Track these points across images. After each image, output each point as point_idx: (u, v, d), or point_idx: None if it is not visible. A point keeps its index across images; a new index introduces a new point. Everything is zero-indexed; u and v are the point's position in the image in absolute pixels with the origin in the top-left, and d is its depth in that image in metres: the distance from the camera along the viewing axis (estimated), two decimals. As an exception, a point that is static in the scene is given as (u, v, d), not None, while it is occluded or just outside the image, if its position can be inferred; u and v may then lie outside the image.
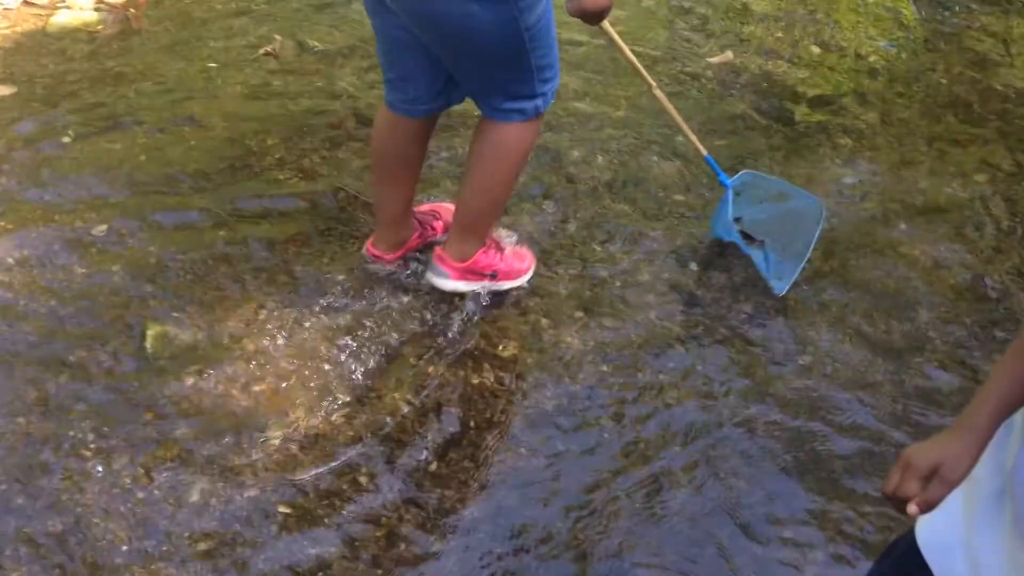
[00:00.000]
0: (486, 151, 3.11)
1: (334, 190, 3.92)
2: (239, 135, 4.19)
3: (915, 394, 3.31)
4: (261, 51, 4.75)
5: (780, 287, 3.56)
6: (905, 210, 4.14)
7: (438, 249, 3.38)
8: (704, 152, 3.69)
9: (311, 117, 4.34)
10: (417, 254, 3.56)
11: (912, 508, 1.60)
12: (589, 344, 3.39)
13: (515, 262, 3.49)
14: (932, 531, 1.77)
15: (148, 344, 3.24)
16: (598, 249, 3.78)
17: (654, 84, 3.52)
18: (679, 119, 3.61)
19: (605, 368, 3.32)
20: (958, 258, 3.90)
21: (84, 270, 3.49)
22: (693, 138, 3.66)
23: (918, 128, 4.66)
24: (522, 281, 3.50)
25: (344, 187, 3.92)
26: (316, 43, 4.87)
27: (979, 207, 4.19)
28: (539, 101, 3.04)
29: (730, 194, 3.66)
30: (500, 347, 3.35)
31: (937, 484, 1.60)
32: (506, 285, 3.46)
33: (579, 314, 3.50)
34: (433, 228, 3.56)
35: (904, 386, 3.34)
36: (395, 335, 3.35)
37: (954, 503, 1.70)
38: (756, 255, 3.68)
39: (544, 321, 3.46)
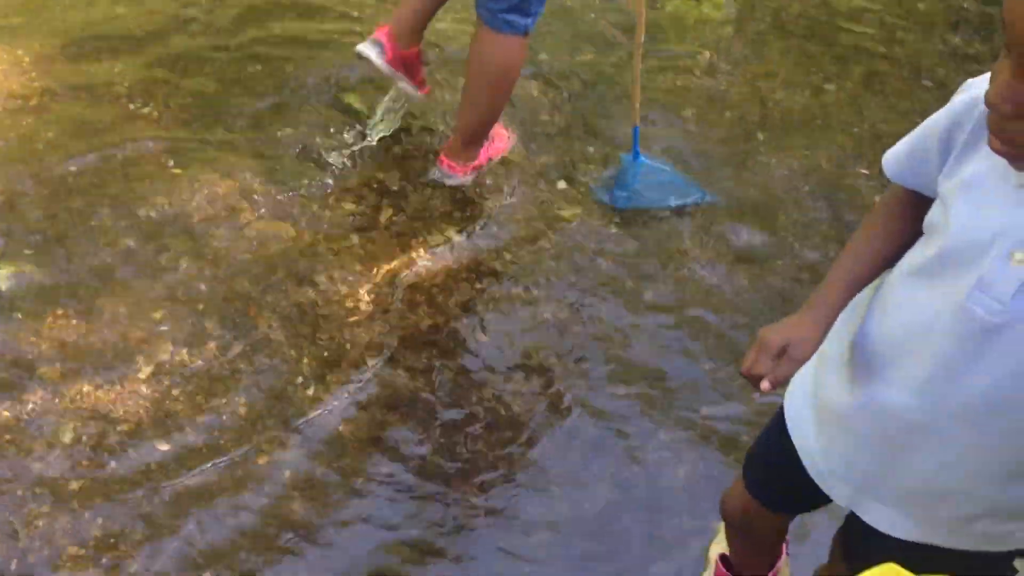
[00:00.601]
0: (482, 69, 3.39)
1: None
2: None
3: (775, 295, 3.46)
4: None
5: (621, 200, 3.73)
6: (763, 121, 4.27)
7: (443, 156, 3.67)
8: (636, 123, 3.76)
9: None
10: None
11: (764, 384, 1.70)
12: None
13: (497, 143, 3.83)
14: (792, 405, 1.89)
15: (1, 285, 3.09)
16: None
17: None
18: (637, 85, 3.70)
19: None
20: (814, 163, 4.06)
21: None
22: (636, 106, 3.74)
23: (773, 44, 4.79)
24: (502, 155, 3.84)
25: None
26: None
27: (832, 113, 4.37)
28: (529, 21, 3.31)
29: (639, 168, 3.78)
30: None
31: (786, 361, 1.69)
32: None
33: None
34: None
35: (765, 288, 3.48)
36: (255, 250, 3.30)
37: (806, 376, 1.82)
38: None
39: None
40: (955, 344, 1.50)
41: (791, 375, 1.72)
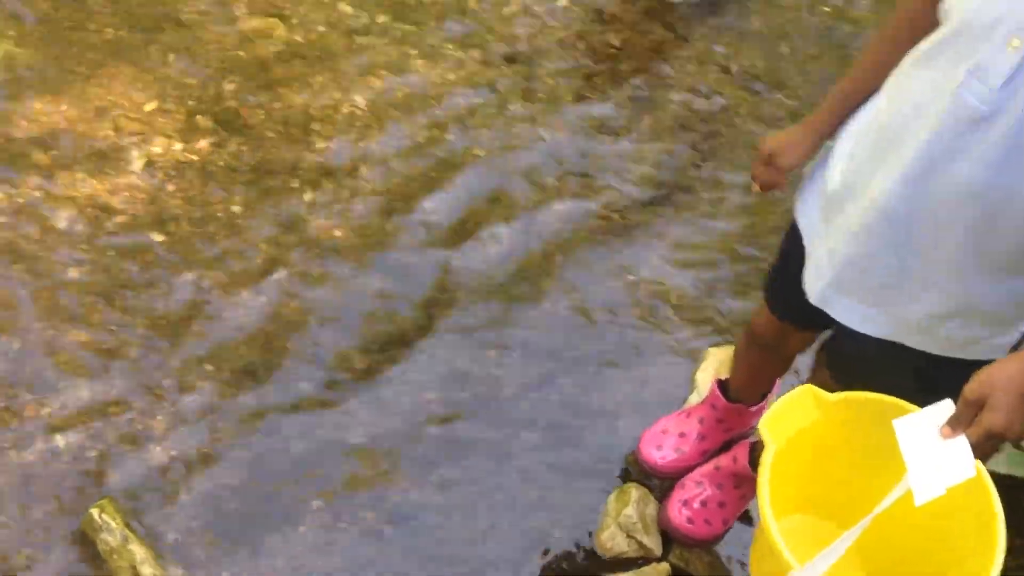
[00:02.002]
0: None
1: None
2: None
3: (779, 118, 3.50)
4: None
5: None
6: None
7: None
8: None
9: None
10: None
11: (754, 186, 1.98)
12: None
13: None
14: (803, 210, 1.95)
15: (-9, 66, 3.04)
16: None
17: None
18: None
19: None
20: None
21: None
22: None
23: None
24: None
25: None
26: None
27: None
28: None
29: None
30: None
31: (772, 167, 1.92)
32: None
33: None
34: None
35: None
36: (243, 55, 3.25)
37: (817, 178, 1.90)
38: None
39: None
40: (944, 132, 1.53)
41: (776, 180, 1.94)
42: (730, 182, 3.17)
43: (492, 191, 3.05)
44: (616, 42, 3.45)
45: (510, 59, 3.37)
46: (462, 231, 2.97)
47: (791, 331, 2.16)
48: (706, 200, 3.14)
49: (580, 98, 3.32)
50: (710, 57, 3.49)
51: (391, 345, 2.74)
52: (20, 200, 2.81)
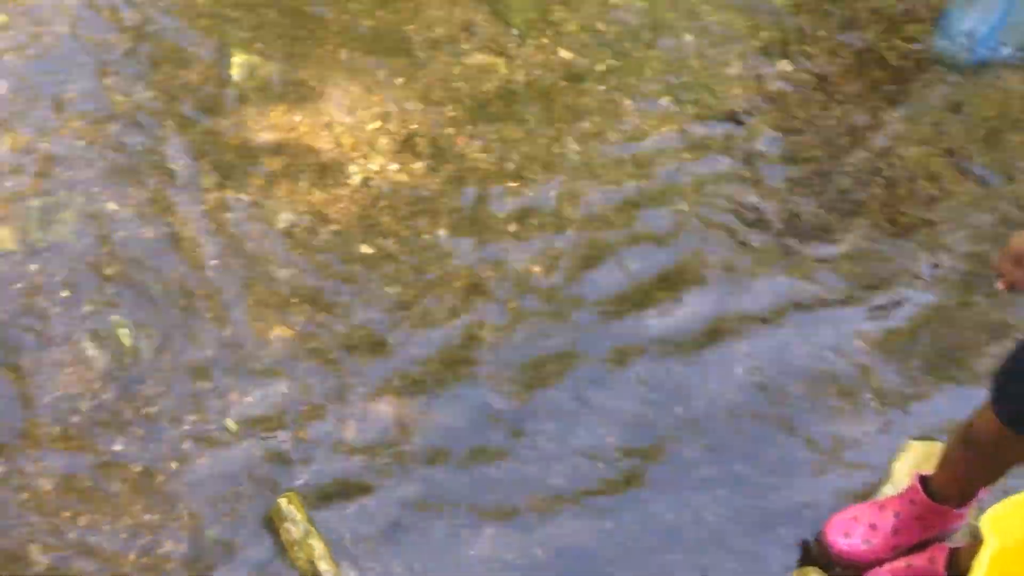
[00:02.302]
0: None
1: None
2: None
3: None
4: None
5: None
6: None
7: None
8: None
9: None
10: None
11: (998, 284, 1.80)
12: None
13: None
14: None
15: (233, 73, 3.23)
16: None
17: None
18: None
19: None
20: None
21: (171, -11, 3.45)
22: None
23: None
24: None
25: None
26: None
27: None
28: None
29: None
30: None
31: (1022, 268, 1.77)
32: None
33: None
34: None
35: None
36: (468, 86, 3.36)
37: None
38: None
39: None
40: None
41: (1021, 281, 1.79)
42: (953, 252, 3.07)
43: (692, 251, 3.04)
44: (837, 112, 3.41)
45: (725, 118, 3.37)
46: (654, 290, 2.95)
47: (1016, 440, 2.06)
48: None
49: (788, 160, 3.28)
50: (926, 137, 3.41)
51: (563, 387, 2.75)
52: (248, 200, 2.97)
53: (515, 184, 3.14)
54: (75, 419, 2.50)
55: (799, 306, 2.95)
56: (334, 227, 2.97)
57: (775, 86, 3.48)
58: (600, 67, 3.47)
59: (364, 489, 2.48)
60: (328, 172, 3.08)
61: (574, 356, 2.77)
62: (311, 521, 2.34)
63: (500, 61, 3.44)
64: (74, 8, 3.38)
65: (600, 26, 3.58)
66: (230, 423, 2.53)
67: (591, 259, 2.98)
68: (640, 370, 2.76)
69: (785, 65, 3.55)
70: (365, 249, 2.94)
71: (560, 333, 2.82)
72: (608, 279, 2.95)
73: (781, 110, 3.42)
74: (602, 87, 3.43)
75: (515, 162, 3.19)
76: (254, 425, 2.54)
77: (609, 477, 2.57)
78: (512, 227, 3.04)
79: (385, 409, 2.62)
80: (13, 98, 3.10)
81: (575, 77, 3.44)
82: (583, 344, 2.80)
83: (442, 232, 3.01)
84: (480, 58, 3.44)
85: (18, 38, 3.27)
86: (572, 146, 3.25)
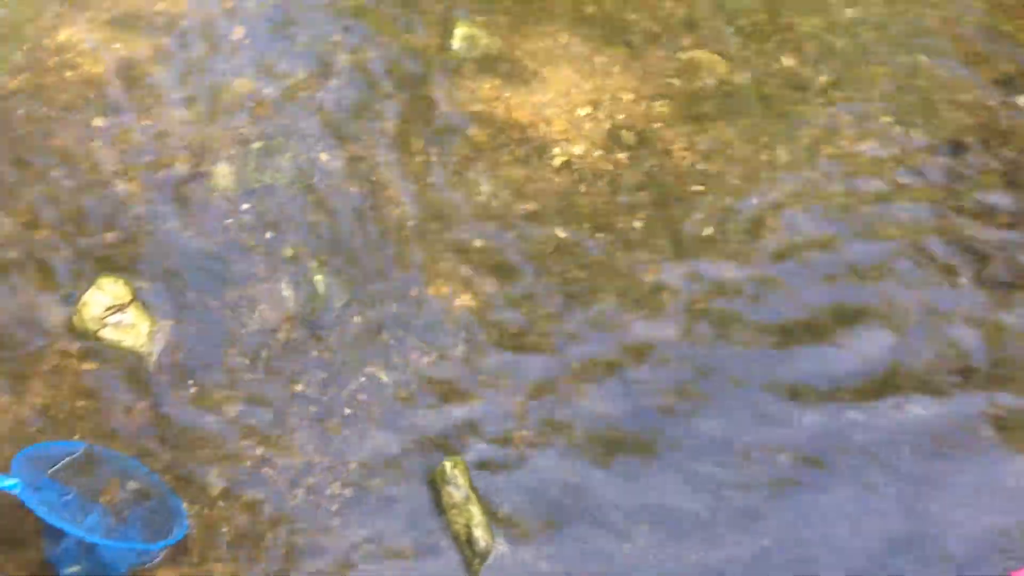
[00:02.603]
0: None
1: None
2: None
3: None
4: None
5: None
6: None
7: None
8: None
9: None
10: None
11: None
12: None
13: None
14: None
15: (455, 43, 3.29)
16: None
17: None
18: None
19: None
20: None
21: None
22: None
23: None
24: None
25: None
26: None
27: None
28: None
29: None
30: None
31: None
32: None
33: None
34: None
35: None
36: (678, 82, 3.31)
37: None
38: None
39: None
40: None
41: None
42: None
43: (892, 285, 2.89)
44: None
45: (949, 145, 3.20)
46: (836, 323, 2.82)
47: None
48: None
49: (1013, 193, 3.09)
50: None
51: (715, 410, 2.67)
52: (451, 167, 3.02)
53: (718, 188, 3.07)
54: (264, 354, 2.60)
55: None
56: (531, 206, 2.98)
57: (1007, 120, 3.28)
58: (824, 78, 3.35)
59: (528, 467, 2.48)
60: (532, 151, 3.10)
61: (736, 380, 2.69)
62: (473, 488, 2.36)
63: (719, 60, 3.37)
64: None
65: (829, 37, 3.46)
66: (405, 381, 2.59)
67: (776, 283, 2.88)
68: (797, 411, 2.65)
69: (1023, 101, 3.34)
70: (559, 232, 2.94)
71: (726, 352, 2.75)
72: (788, 304, 2.85)
73: (1011, 144, 3.22)
74: (822, 99, 3.31)
75: (720, 165, 3.12)
76: (429, 386, 2.58)
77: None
78: (708, 230, 2.98)
79: (554, 393, 2.62)
80: (247, 44, 3.25)
81: (796, 86, 3.33)
82: (745, 367, 2.72)
83: (637, 225, 2.98)
84: (699, 55, 3.38)
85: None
86: (782, 156, 3.15)
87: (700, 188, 3.07)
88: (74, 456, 2.32)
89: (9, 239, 2.65)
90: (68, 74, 3.00)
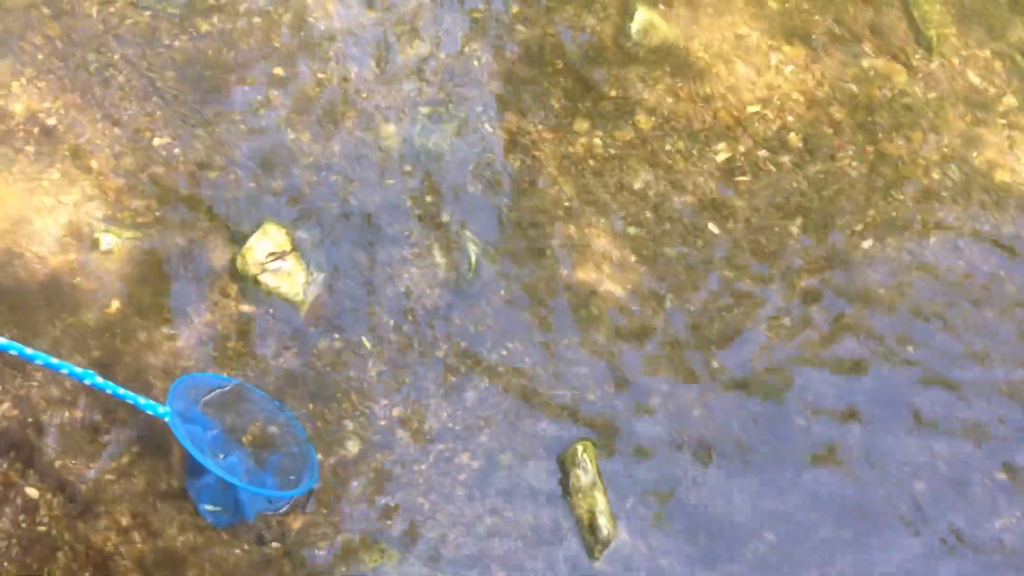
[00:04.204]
0: None
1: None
2: None
3: None
4: None
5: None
6: None
7: None
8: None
9: None
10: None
11: None
12: None
13: None
14: None
15: (633, 27, 3.26)
16: None
17: None
18: None
19: None
20: None
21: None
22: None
23: None
24: None
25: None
26: None
27: None
28: None
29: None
30: None
31: None
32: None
33: None
34: None
35: None
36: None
37: None
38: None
39: None
40: None
41: None
42: None
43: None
44: None
45: None
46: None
47: None
48: None
49: None
50: None
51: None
52: (613, 152, 3.01)
53: (881, 201, 2.98)
54: (409, 316, 2.66)
55: None
56: (688, 198, 2.95)
57: None
58: (1009, 100, 3.20)
59: (659, 460, 2.48)
60: (696, 143, 3.06)
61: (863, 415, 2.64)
62: (601, 474, 2.38)
63: (901, 71, 3.26)
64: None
65: (1019, 58, 3.30)
66: (544, 360, 2.61)
67: (925, 314, 2.79)
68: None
69: None
70: (712, 227, 2.91)
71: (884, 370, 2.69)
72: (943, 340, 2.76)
73: None
74: (1003, 121, 3.17)
75: (887, 179, 3.03)
76: (567, 368, 2.60)
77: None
78: (866, 244, 2.91)
79: (690, 395, 2.60)
80: (427, 6, 3.29)
81: (977, 104, 3.20)
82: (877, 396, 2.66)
83: (794, 229, 2.92)
84: (880, 63, 3.27)
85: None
86: (952, 174, 3.04)
87: (863, 200, 2.99)
88: (225, 390, 2.43)
89: (185, 176, 2.77)
90: (256, 20, 3.10)
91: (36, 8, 2.99)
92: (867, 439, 2.59)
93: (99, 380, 2.12)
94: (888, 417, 2.63)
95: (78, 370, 2.09)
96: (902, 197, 3.01)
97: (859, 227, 2.95)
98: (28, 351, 2.02)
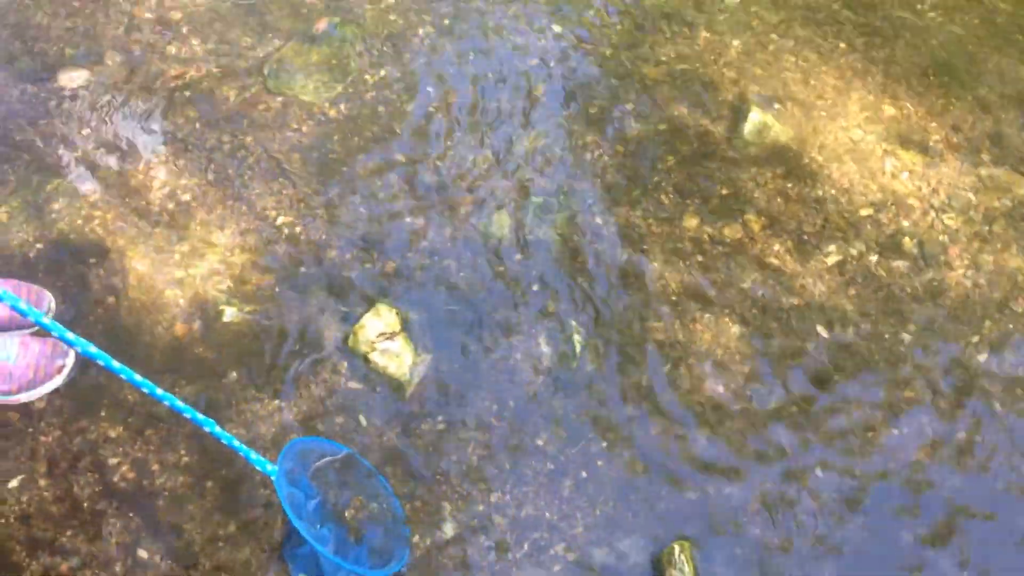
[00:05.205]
0: None
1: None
2: None
3: None
4: None
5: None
6: None
7: None
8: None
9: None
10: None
11: None
12: None
13: None
14: None
15: (747, 128, 3.29)
16: None
17: None
18: None
19: None
20: None
21: (709, 36, 3.58)
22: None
23: None
24: None
25: None
26: None
27: None
28: None
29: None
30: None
31: None
32: None
33: None
34: None
35: None
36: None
37: None
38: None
39: None
40: None
41: None
42: None
43: None
44: None
45: None
46: None
47: None
48: None
49: None
50: None
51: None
52: (723, 249, 3.03)
53: (997, 313, 2.92)
54: (511, 403, 2.69)
55: None
56: (795, 300, 2.94)
57: None
58: None
59: (758, 568, 2.45)
60: (807, 244, 3.06)
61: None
62: (696, 576, 2.36)
63: (1021, 181, 3.21)
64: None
65: None
66: (644, 455, 2.61)
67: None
68: None
69: None
70: (821, 330, 2.89)
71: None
72: None
73: None
74: None
75: (1004, 292, 2.97)
76: (666, 466, 2.60)
77: None
78: (982, 357, 2.84)
79: (791, 495, 2.57)
80: (545, 102, 3.38)
81: (1102, 219, 3.13)
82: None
83: (906, 337, 2.88)
84: (998, 172, 3.24)
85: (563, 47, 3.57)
86: (1072, 293, 2.97)
87: (980, 311, 2.93)
88: (334, 459, 2.49)
89: (305, 254, 2.89)
90: (380, 109, 3.23)
91: (179, 91, 3.19)
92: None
93: (217, 429, 2.20)
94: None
95: (200, 416, 2.17)
96: (1020, 311, 2.94)
97: (975, 339, 2.89)
98: (159, 391, 2.11)
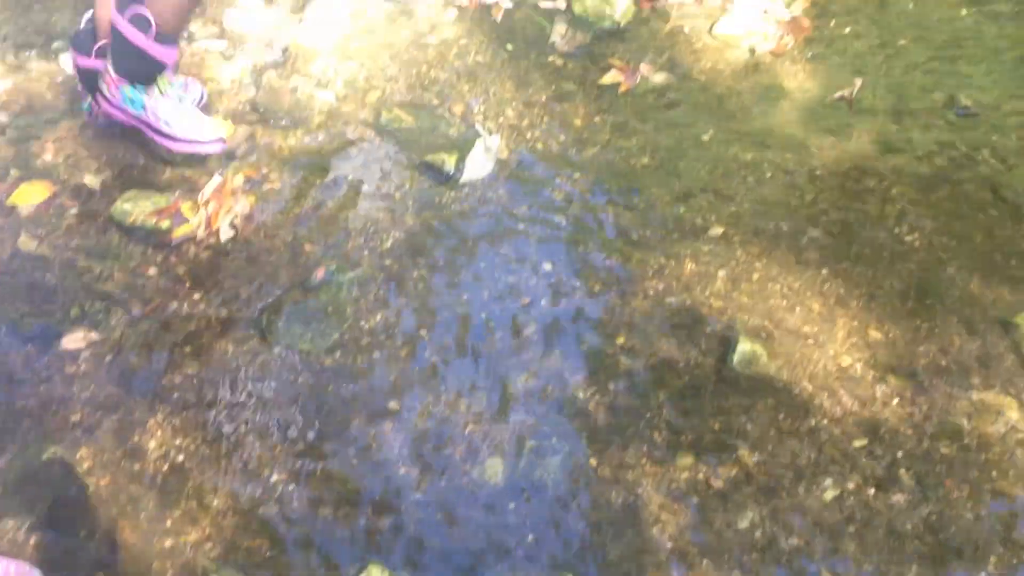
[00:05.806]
0: None
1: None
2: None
3: None
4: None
5: None
6: None
7: None
8: None
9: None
10: None
11: None
12: None
13: None
14: None
15: (735, 359, 3.34)
16: None
17: None
18: None
19: None
20: None
21: (695, 267, 3.67)
22: None
23: None
24: None
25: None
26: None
27: None
28: None
29: None
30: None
31: None
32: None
33: None
34: None
35: None
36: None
37: None
38: None
39: None
40: None
41: None
42: None
43: None
44: None
45: None
46: None
47: None
48: None
49: None
50: None
51: None
52: (717, 486, 3.02)
53: (1001, 547, 2.87)
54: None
55: None
56: (796, 541, 2.91)
57: None
58: None
59: None
60: (801, 479, 3.05)
61: None
62: None
63: (1013, 405, 3.22)
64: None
65: None
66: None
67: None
68: None
69: None
70: (826, 573, 2.84)
71: None
72: None
73: None
74: None
75: (1004, 521, 2.93)
76: None
77: None
78: (990, 592, 2.79)
79: None
80: (536, 340, 3.44)
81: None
82: None
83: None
84: (989, 397, 3.24)
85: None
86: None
87: (983, 544, 2.89)
88: None
89: (297, 514, 2.89)
90: (376, 355, 3.30)
91: (179, 347, 3.27)
92: None
93: None
94: None
95: None
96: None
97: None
98: None
